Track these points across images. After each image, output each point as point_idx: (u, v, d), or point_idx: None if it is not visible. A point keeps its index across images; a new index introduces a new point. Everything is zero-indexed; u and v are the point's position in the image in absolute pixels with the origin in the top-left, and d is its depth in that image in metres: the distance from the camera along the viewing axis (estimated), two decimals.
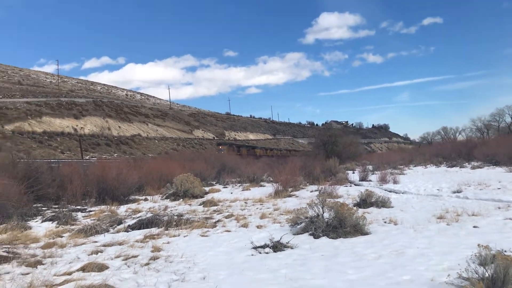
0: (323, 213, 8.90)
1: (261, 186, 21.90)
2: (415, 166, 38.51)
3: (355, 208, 9.78)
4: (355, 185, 20.62)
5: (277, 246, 7.36)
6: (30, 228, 10.78)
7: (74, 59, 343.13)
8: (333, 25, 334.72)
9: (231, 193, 19.30)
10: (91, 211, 14.19)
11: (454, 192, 15.11)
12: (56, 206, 15.29)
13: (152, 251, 7.49)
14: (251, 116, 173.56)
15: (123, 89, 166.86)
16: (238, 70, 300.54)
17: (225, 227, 10.14)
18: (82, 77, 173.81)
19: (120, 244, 8.27)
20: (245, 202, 15.07)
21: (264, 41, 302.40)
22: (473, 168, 29.98)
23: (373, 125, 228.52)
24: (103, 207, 14.91)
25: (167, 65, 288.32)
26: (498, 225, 8.74)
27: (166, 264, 6.61)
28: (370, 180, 22.71)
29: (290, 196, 16.57)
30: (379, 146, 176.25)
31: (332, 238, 8.13)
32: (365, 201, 12.51)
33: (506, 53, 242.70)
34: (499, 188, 15.69)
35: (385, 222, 9.83)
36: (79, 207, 15.22)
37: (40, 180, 16.16)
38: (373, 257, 6.65)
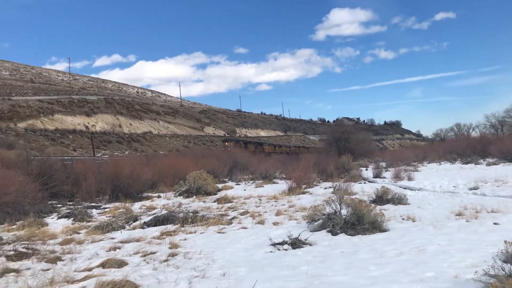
0: (340, 209, 8.82)
1: (274, 183, 21.83)
2: (429, 163, 38.14)
3: (373, 205, 9.68)
4: (369, 182, 20.46)
5: (296, 243, 7.30)
6: (46, 224, 10.83)
7: (85, 57, 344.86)
8: (344, 21, 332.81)
9: (245, 190, 19.25)
10: (105, 208, 14.25)
11: (471, 189, 14.92)
12: (71, 203, 15.38)
13: (170, 248, 7.47)
14: (262, 113, 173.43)
15: (134, 86, 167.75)
16: (249, 66, 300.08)
17: (241, 224, 10.10)
18: (93, 75, 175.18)
19: (137, 240, 8.28)
20: (259, 199, 15.03)
21: (274, 38, 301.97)
22: (488, 164, 29.59)
23: (385, 121, 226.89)
24: (117, 204, 14.96)
25: (178, 62, 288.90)
26: None
27: (185, 260, 6.59)
28: (384, 177, 22.52)
29: (304, 193, 16.48)
30: (391, 143, 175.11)
31: (351, 235, 8.05)
32: (381, 198, 12.39)
33: None
34: None
35: (403, 219, 9.72)
36: (93, 204, 15.29)
37: (54, 177, 16.26)
38: (394, 253, 6.56)
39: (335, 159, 29.54)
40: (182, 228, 9.53)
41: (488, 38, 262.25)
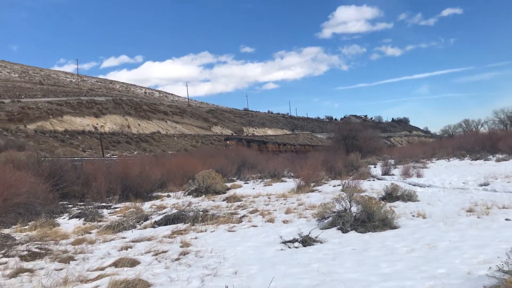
0: (350, 207, 8.81)
1: (282, 181, 21.84)
2: (437, 160, 37.95)
3: (383, 202, 9.66)
4: (378, 179, 20.40)
5: (306, 241, 7.31)
6: (58, 225, 10.92)
7: (93, 59, 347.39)
8: (350, 18, 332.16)
9: (253, 188, 19.29)
10: (116, 207, 14.34)
11: (481, 185, 14.83)
12: (82, 203, 15.49)
13: (181, 246, 7.52)
14: (269, 111, 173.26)
15: (142, 87, 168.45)
16: (255, 66, 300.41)
17: (251, 222, 10.13)
18: (101, 76, 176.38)
19: (149, 239, 8.33)
20: (268, 198, 15.05)
21: (280, 37, 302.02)
22: (498, 160, 29.39)
23: (392, 118, 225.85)
24: (127, 203, 15.06)
25: (185, 62, 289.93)
26: None
27: (196, 259, 6.63)
28: (393, 174, 22.45)
29: (313, 191, 16.48)
30: (399, 140, 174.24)
31: (361, 232, 8.04)
32: (391, 195, 12.35)
33: None
34: None
35: (413, 216, 9.69)
36: (104, 204, 15.39)
37: (65, 178, 16.39)
38: (405, 250, 6.55)
39: (343, 157, 29.47)
40: (193, 227, 9.57)
41: (495, 34, 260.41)
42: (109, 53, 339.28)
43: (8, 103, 63.49)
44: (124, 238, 8.76)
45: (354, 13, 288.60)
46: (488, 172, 19.45)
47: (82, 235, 9.31)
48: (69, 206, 14.73)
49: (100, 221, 11.47)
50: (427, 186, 16.13)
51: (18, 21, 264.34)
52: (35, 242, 7.78)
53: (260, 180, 23.37)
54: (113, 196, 16.69)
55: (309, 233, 7.60)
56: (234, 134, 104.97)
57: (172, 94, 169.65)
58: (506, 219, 8.49)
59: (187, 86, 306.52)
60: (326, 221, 8.95)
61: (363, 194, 12.62)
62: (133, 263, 6.43)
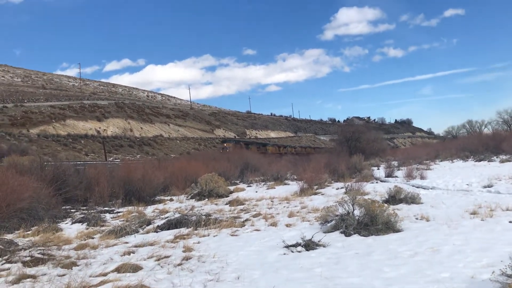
0: (353, 210, 8.78)
1: (285, 184, 21.80)
2: (441, 161, 37.85)
3: (386, 205, 9.62)
4: (381, 181, 20.36)
5: (309, 245, 7.28)
6: (61, 230, 10.92)
7: (96, 62, 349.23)
8: (352, 20, 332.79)
9: (256, 191, 19.26)
10: (119, 212, 14.35)
11: (485, 187, 14.77)
12: (84, 207, 15.49)
13: (184, 251, 7.50)
14: (272, 114, 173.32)
15: (144, 90, 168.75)
16: (258, 68, 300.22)
17: (254, 226, 10.11)
18: (103, 80, 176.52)
19: (151, 244, 8.31)
20: (271, 201, 15.02)
21: (282, 39, 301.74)
22: (502, 161, 29.27)
23: (395, 120, 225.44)
24: (130, 208, 15.05)
25: (187, 65, 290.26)
26: None
27: (199, 264, 6.61)
28: (396, 176, 22.39)
29: (316, 194, 16.45)
30: (402, 141, 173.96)
31: (364, 236, 8.01)
32: (394, 198, 12.31)
33: None
34: None
35: (416, 219, 9.66)
36: (106, 208, 15.39)
37: (67, 182, 16.40)
38: (408, 254, 6.52)
39: (346, 159, 29.44)
40: (195, 231, 9.55)
41: (498, 34, 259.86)
42: (112, 56, 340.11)
43: (11, 107, 63.72)
44: (126, 243, 8.75)
45: (356, 14, 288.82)
46: (492, 173, 19.37)
47: (85, 240, 9.31)
48: (72, 210, 14.74)
49: (102, 225, 11.46)
50: (431, 188, 16.08)
51: (21, 26, 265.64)
52: (38, 248, 7.77)
53: (263, 183, 23.35)
54: (115, 200, 16.69)
55: (312, 237, 7.58)
56: (237, 137, 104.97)
57: (174, 97, 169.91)
58: (510, 222, 8.45)
59: (189, 89, 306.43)
60: (329, 224, 8.92)
61: (366, 197, 12.55)
62: (135, 268, 6.42)
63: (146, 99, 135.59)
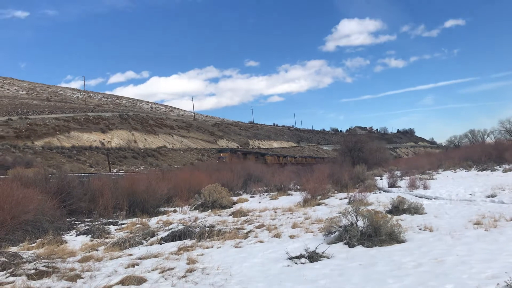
0: (357, 221, 8.79)
1: (288, 194, 21.81)
2: (444, 171, 37.76)
3: (389, 215, 9.62)
4: (384, 191, 20.33)
5: (313, 256, 7.29)
6: (65, 242, 10.96)
7: (100, 75, 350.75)
8: (353, 31, 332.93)
9: (259, 202, 19.27)
10: (123, 224, 14.38)
11: (488, 197, 14.73)
12: (89, 219, 15.54)
13: (188, 263, 7.52)
14: (274, 124, 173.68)
15: (148, 102, 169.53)
16: (260, 79, 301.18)
17: (257, 237, 10.11)
18: (107, 92, 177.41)
19: (155, 256, 8.33)
20: (275, 212, 15.02)
21: (285, 50, 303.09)
22: (505, 171, 29.15)
23: (398, 130, 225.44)
24: (134, 219, 15.08)
25: (190, 77, 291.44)
26: None
27: (203, 276, 6.62)
28: (399, 186, 22.37)
29: (319, 204, 16.44)
30: (405, 151, 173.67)
31: (368, 247, 8.01)
32: (397, 208, 12.30)
33: None
34: None
35: (420, 229, 9.64)
36: (110, 220, 15.43)
37: (72, 194, 16.47)
38: (412, 265, 6.52)
39: (349, 169, 29.41)
40: (199, 243, 9.57)
41: (499, 44, 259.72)
42: (116, 69, 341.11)
43: (16, 120, 64.04)
44: (131, 255, 8.77)
45: (357, 26, 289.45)
46: (495, 183, 19.31)
47: (89, 252, 9.33)
48: (76, 222, 14.78)
49: (107, 237, 11.50)
50: (434, 198, 16.05)
51: (26, 40, 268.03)
52: (42, 260, 7.80)
53: (266, 193, 23.36)
54: (120, 212, 16.73)
55: (316, 248, 7.59)
56: (240, 147, 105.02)
57: (178, 109, 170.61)
58: None
59: (192, 100, 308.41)
60: (332, 235, 8.92)
61: (369, 207, 12.57)
62: (140, 280, 6.44)
63: (150, 111, 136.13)
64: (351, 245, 8.17)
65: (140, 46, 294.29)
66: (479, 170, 33.18)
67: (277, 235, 10.09)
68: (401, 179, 25.90)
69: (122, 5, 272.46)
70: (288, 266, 7.06)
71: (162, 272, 7.03)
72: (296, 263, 7.15)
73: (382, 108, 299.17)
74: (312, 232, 10.25)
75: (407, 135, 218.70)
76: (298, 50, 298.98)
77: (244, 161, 55.37)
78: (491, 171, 31.25)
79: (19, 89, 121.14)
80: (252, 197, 22.41)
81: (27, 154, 48.30)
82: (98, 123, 78.43)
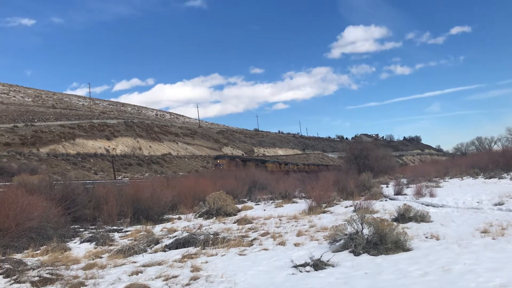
0: (362, 229, 8.71)
1: (293, 202, 21.72)
2: (450, 178, 37.52)
3: (395, 223, 9.53)
4: (390, 199, 20.19)
5: (318, 264, 7.22)
6: (69, 249, 10.94)
7: (105, 82, 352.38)
8: (359, 38, 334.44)
9: (264, 210, 19.18)
10: (127, 231, 14.34)
11: (496, 205, 14.61)
12: (93, 227, 15.52)
13: (192, 271, 7.46)
14: (279, 131, 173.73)
15: (153, 109, 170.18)
16: (265, 86, 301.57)
17: (262, 245, 10.04)
18: (113, 99, 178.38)
19: (159, 264, 8.29)
20: (280, 219, 14.95)
21: (290, 57, 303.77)
22: None
23: (404, 137, 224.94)
24: (138, 227, 15.04)
25: (195, 84, 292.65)
26: None
27: (207, 284, 6.57)
28: (405, 194, 22.23)
29: (324, 212, 16.34)
30: (411, 159, 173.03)
31: (373, 255, 7.93)
32: (403, 216, 12.20)
33: None
34: None
35: (426, 238, 9.54)
36: (115, 227, 15.40)
37: (76, 201, 16.47)
38: (418, 274, 6.44)
39: (355, 176, 29.29)
40: (203, 251, 9.52)
41: (505, 51, 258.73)
42: (121, 76, 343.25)
43: (21, 127, 64.38)
44: (134, 262, 8.73)
45: (363, 33, 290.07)
46: (502, 191, 19.15)
47: (93, 259, 9.30)
48: (80, 230, 14.77)
49: (111, 245, 11.46)
50: (440, 206, 15.92)
51: (32, 47, 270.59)
52: (46, 268, 7.77)
53: (271, 201, 23.28)
54: (124, 219, 16.71)
55: (321, 256, 7.52)
56: (245, 154, 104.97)
57: (183, 116, 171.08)
58: None
59: (197, 107, 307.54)
60: (338, 243, 8.85)
61: (375, 215, 12.47)
62: None
63: (155, 118, 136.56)
64: (356, 253, 8.09)
65: (145, 53, 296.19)
66: (486, 178, 32.93)
67: (282, 243, 10.02)
68: (407, 187, 25.75)
69: (127, 12, 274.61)
70: (293, 274, 6.99)
71: (166, 280, 6.99)
72: (301, 271, 7.09)
73: (388, 115, 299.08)
74: (317, 240, 10.17)
75: (413, 142, 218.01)
76: (303, 57, 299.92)
77: (244, 168, 53.68)
78: (498, 178, 31.00)
79: (25, 96, 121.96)
80: (256, 204, 22.33)
81: (32, 161, 48.49)
82: (103, 130, 78.71)
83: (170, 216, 18.55)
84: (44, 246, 10.86)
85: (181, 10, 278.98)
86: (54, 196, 15.56)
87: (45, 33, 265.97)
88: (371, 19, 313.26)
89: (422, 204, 16.72)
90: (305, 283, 6.33)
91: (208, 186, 23.87)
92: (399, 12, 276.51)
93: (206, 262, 8.28)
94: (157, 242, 11.08)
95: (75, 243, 12.11)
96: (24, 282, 6.97)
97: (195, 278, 6.94)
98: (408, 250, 8.25)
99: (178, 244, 10.32)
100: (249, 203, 22.93)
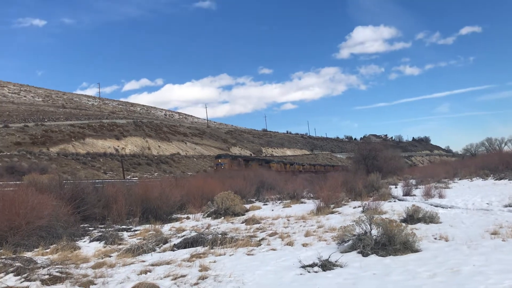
0: (371, 230, 8.68)
1: (301, 202, 21.69)
2: (460, 179, 37.24)
3: (404, 224, 9.49)
4: (399, 200, 20.10)
5: (326, 265, 7.21)
6: (79, 248, 11.03)
7: (115, 82, 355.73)
8: (368, 38, 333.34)
9: (272, 210, 19.19)
10: (136, 230, 14.42)
11: (506, 206, 14.49)
12: (102, 226, 15.62)
13: (200, 271, 7.49)
14: (287, 132, 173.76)
15: (162, 109, 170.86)
16: (274, 86, 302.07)
17: (270, 245, 10.05)
18: (122, 99, 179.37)
19: (168, 263, 8.32)
20: (288, 220, 14.94)
21: (298, 58, 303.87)
22: None
23: (413, 138, 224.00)
24: (147, 226, 15.11)
25: (204, 84, 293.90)
26: None
27: (215, 284, 6.59)
28: (414, 195, 22.11)
29: (332, 212, 16.31)
30: (420, 159, 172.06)
31: (382, 256, 7.90)
32: (412, 217, 12.14)
33: None
34: None
35: (435, 239, 9.49)
36: (124, 226, 15.49)
37: (86, 200, 16.57)
38: (427, 275, 6.41)
39: (363, 177, 29.19)
40: (212, 250, 9.54)
41: None
42: (130, 76, 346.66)
43: (32, 126, 64.98)
44: (143, 261, 8.78)
45: (372, 33, 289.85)
46: None
47: (102, 258, 9.37)
48: (90, 228, 14.87)
49: (120, 244, 11.53)
50: (449, 207, 15.82)
51: (43, 47, 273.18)
52: (56, 266, 7.84)
53: (279, 201, 23.27)
54: (133, 218, 16.80)
55: (329, 257, 7.51)
56: (253, 155, 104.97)
57: (191, 116, 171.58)
58: None
59: (206, 107, 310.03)
60: (346, 244, 8.83)
61: (383, 216, 12.41)
62: (152, 287, 6.43)
63: (164, 118, 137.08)
64: (364, 254, 8.07)
65: (155, 54, 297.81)
66: (496, 179, 32.64)
67: (290, 243, 10.02)
68: (416, 188, 25.61)
69: (136, 13, 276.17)
70: (301, 274, 6.99)
71: (175, 279, 7.02)
72: (309, 272, 7.08)
73: (397, 116, 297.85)
74: (325, 240, 10.16)
75: (423, 143, 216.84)
76: (311, 57, 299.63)
77: (246, 168, 52.05)
78: (508, 180, 30.69)
79: (36, 96, 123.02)
80: (265, 204, 22.34)
81: (43, 160, 48.91)
82: (113, 130, 79.17)
83: (179, 215, 18.61)
84: (54, 245, 10.96)
85: (190, 10, 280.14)
86: (64, 195, 15.67)
87: (56, 34, 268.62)
88: (380, 19, 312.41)
89: (431, 205, 16.61)
90: (313, 284, 6.33)
91: (216, 186, 23.93)
92: (409, 12, 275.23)
93: (214, 262, 8.30)
94: (165, 241, 11.13)
95: (84, 242, 12.20)
96: (34, 280, 7.04)
97: (203, 278, 6.97)
98: (416, 251, 8.21)
99: (186, 243, 10.35)
100: (257, 203, 22.94)
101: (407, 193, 22.69)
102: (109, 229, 14.24)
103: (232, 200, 18.56)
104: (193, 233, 11.25)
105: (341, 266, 7.28)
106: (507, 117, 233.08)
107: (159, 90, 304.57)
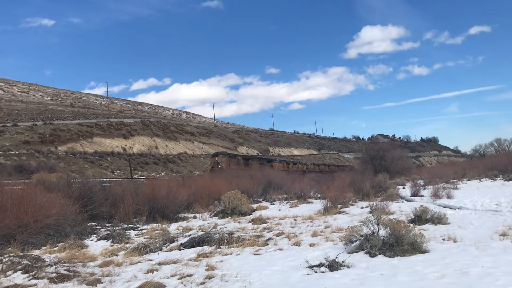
0: (378, 230, 8.63)
1: (309, 202, 21.65)
2: (468, 180, 37.00)
3: (411, 225, 9.43)
4: (407, 200, 19.98)
5: (333, 265, 7.18)
6: (86, 246, 11.07)
7: (123, 81, 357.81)
8: (375, 38, 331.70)
9: (279, 210, 19.17)
10: (143, 229, 14.45)
11: None
12: (109, 224, 15.67)
13: (207, 270, 7.49)
14: (295, 131, 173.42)
15: (169, 108, 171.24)
16: (281, 86, 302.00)
17: (277, 245, 10.03)
18: (130, 98, 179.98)
19: (175, 262, 8.33)
20: (295, 219, 14.91)
21: (306, 57, 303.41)
22: None
23: (421, 138, 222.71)
24: (154, 225, 15.14)
25: (211, 84, 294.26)
26: None
27: (222, 283, 6.59)
28: (422, 196, 21.99)
29: (340, 213, 16.25)
30: (428, 160, 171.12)
31: (389, 257, 7.85)
32: (420, 218, 12.06)
33: None
34: None
35: (443, 240, 9.43)
36: (131, 225, 15.53)
37: (93, 199, 16.62)
38: (435, 276, 6.36)
39: (371, 177, 29.07)
40: (218, 250, 9.54)
41: None
42: (138, 76, 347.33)
43: (40, 125, 65.42)
44: (150, 260, 8.80)
45: (380, 33, 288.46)
46: None
47: (110, 257, 9.40)
48: (97, 227, 14.92)
49: (127, 242, 11.56)
50: (458, 208, 15.70)
51: (52, 47, 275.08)
52: (64, 264, 7.87)
53: (286, 201, 23.24)
54: (140, 217, 16.84)
55: (336, 257, 7.47)
56: (260, 154, 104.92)
57: (199, 115, 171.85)
58: None
59: (213, 107, 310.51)
60: (353, 244, 8.79)
61: (391, 216, 12.34)
62: (158, 286, 6.44)
63: (171, 117, 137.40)
64: (372, 255, 8.03)
65: (162, 53, 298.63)
66: (505, 180, 32.39)
67: (297, 243, 9.99)
68: (424, 188, 25.46)
69: (144, 13, 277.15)
70: (308, 274, 6.97)
71: (181, 278, 7.02)
72: (316, 272, 7.06)
73: (405, 116, 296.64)
74: (333, 240, 10.12)
75: (431, 143, 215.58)
76: (319, 57, 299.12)
77: (246, 168, 50.06)
78: None
79: (44, 95, 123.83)
80: (272, 204, 22.32)
81: (51, 159, 49.21)
82: (120, 129, 79.49)
83: (186, 214, 18.64)
84: (62, 243, 11.01)
85: (198, 10, 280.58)
86: (72, 194, 15.73)
87: (64, 33, 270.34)
88: (388, 19, 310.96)
89: (439, 205, 16.49)
90: (320, 284, 6.31)
91: (223, 185, 23.95)
92: (417, 12, 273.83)
93: (221, 261, 8.30)
94: (172, 240, 11.15)
95: (91, 240, 12.25)
96: (42, 278, 7.08)
97: (210, 277, 6.96)
98: (424, 252, 8.15)
99: (193, 242, 10.36)
100: (264, 203, 22.93)
101: (415, 194, 22.57)
102: (116, 228, 14.28)
103: (239, 199, 18.56)
104: (200, 233, 11.26)
105: (348, 267, 7.25)
106: None
107: (167, 89, 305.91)
